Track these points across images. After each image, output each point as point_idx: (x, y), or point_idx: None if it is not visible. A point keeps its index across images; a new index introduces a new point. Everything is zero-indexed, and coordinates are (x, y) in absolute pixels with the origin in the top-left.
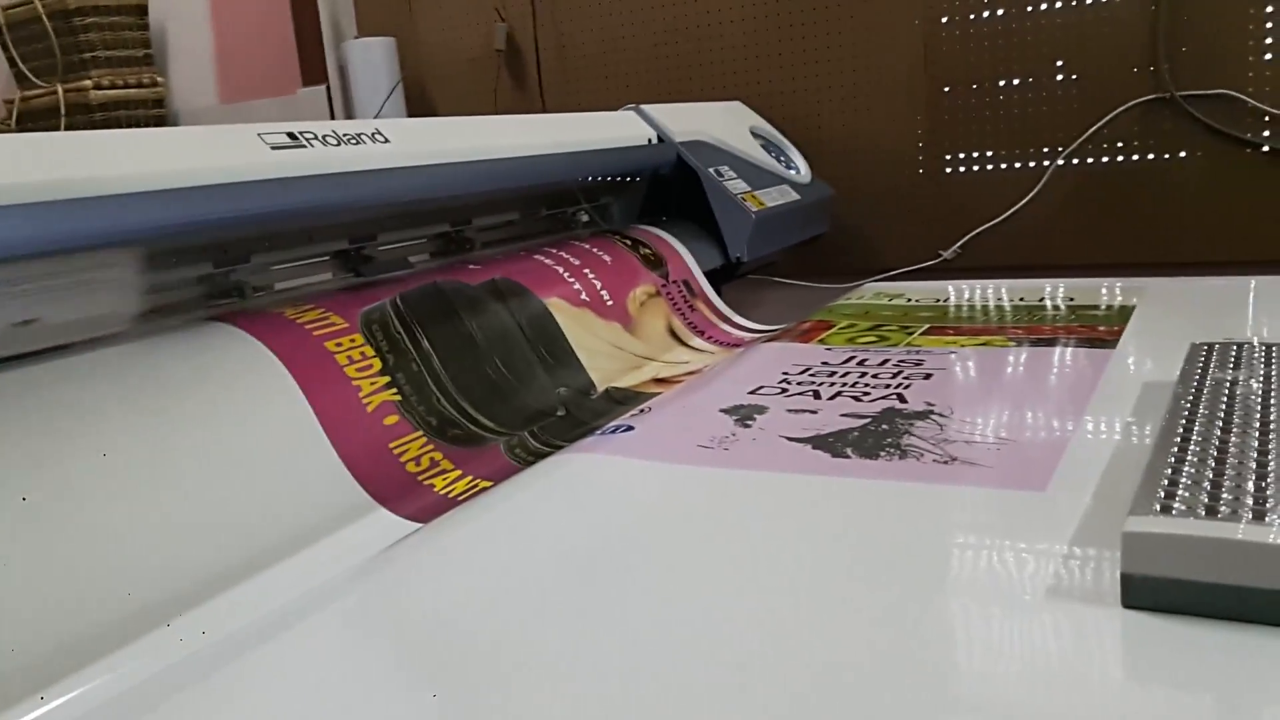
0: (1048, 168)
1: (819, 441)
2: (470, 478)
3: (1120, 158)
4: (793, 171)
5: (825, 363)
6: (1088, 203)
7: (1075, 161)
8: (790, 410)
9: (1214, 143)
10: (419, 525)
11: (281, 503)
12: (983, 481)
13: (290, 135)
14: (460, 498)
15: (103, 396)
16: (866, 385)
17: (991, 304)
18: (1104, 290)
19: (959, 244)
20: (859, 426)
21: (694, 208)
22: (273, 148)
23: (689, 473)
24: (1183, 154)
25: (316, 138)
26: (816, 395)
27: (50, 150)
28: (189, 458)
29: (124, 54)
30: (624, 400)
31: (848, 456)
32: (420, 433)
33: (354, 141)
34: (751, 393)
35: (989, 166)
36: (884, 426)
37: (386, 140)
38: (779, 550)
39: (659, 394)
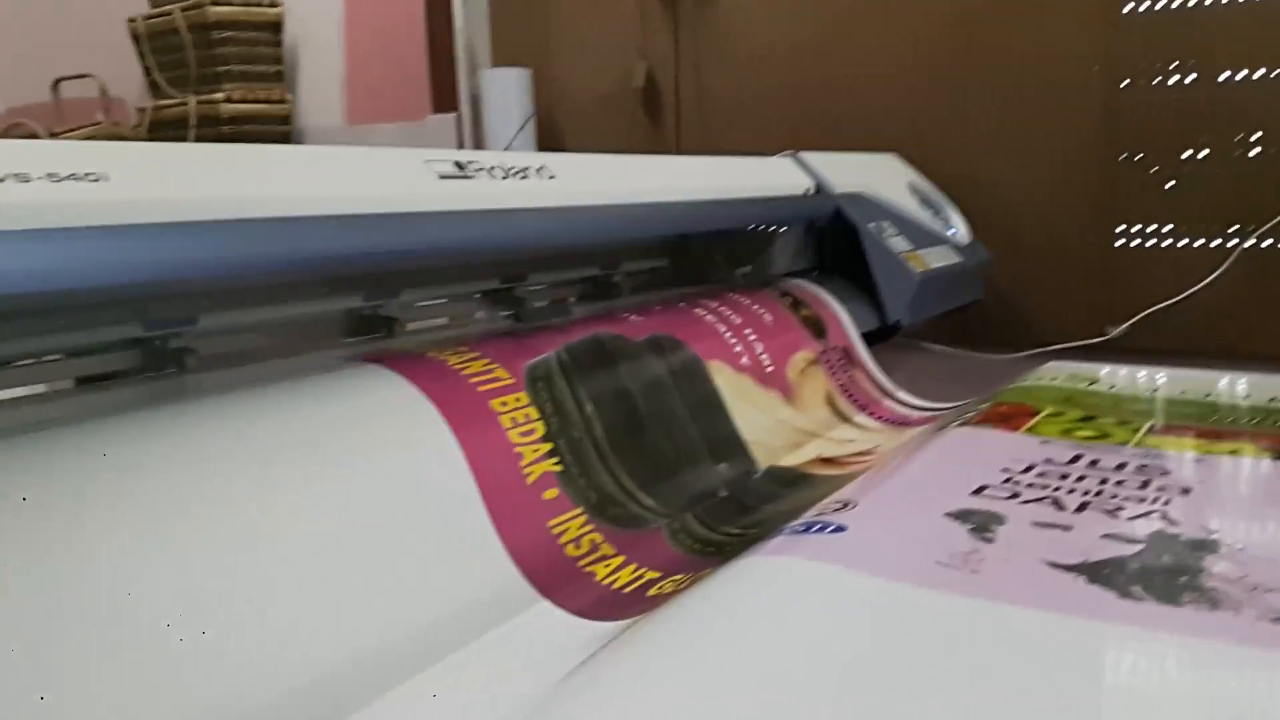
0: (1233, 248)
1: (1093, 573)
2: (635, 565)
3: None
4: (952, 232)
5: (1049, 460)
6: (1277, 289)
7: (1266, 244)
8: (1036, 523)
9: None
10: (586, 621)
11: (434, 591)
12: None
13: (457, 164)
14: (626, 590)
15: (250, 446)
16: (1114, 496)
17: (1223, 400)
18: None
19: (1129, 323)
20: (1132, 554)
21: (845, 264)
22: (440, 176)
23: (935, 601)
24: None
25: (484, 169)
26: (1058, 505)
27: (202, 165)
28: (338, 528)
29: (257, 69)
30: (790, 481)
31: (1139, 599)
32: (580, 509)
33: (521, 175)
34: (975, 493)
35: (1166, 243)
36: (1165, 558)
37: (553, 176)
38: None
39: (826, 475)
